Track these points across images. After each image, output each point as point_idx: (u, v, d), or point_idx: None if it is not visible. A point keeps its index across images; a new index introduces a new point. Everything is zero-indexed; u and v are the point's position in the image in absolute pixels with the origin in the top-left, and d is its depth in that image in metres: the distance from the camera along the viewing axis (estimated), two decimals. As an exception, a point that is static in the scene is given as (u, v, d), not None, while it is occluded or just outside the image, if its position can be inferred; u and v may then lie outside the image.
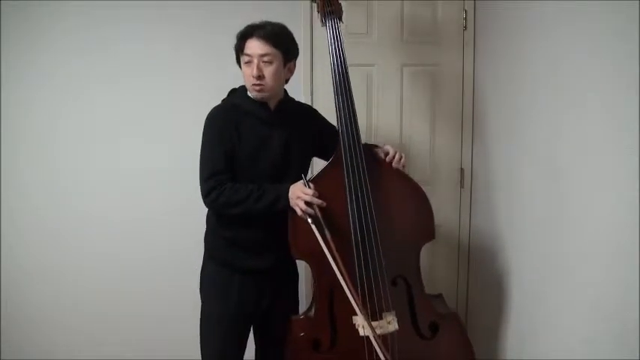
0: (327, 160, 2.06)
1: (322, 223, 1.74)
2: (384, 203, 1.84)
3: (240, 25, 1.85)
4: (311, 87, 2.48)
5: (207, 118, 1.87)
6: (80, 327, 2.51)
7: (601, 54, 1.55)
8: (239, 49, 1.83)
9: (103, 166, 2.47)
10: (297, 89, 2.45)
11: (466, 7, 2.47)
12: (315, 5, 2.00)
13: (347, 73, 1.87)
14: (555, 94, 1.81)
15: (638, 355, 1.39)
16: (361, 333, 1.80)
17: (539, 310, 1.92)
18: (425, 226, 1.92)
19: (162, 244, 2.51)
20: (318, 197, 1.76)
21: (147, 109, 2.45)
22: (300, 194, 1.75)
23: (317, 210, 1.74)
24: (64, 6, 2.34)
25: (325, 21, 1.92)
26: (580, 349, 1.65)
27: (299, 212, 1.75)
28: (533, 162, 1.96)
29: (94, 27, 2.38)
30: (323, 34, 2.42)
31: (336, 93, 1.86)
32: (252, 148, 1.84)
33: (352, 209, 1.81)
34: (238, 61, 1.86)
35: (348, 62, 2.42)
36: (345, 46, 1.90)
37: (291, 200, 1.77)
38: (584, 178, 1.65)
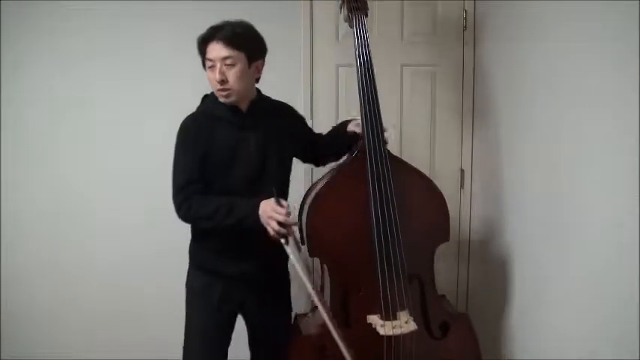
0: (304, 161, 2.06)
1: (296, 244, 1.65)
2: (402, 202, 1.82)
3: None
4: (311, 87, 2.47)
5: (179, 128, 1.81)
6: (81, 326, 2.50)
7: (601, 54, 1.55)
8: (201, 54, 1.75)
9: (104, 166, 2.46)
10: (297, 90, 2.46)
11: (466, 7, 2.47)
12: (339, 4, 1.96)
13: (373, 70, 1.84)
14: (555, 94, 1.81)
15: (638, 355, 1.39)
16: (382, 332, 1.78)
17: (540, 311, 1.92)
18: (442, 227, 1.91)
19: (163, 243, 2.50)
20: (322, 197, 1.72)
21: (147, 109, 2.45)
22: (272, 214, 1.63)
23: (291, 231, 1.64)
24: (65, 6, 2.34)
25: (352, 17, 1.88)
26: (580, 349, 1.65)
27: (271, 232, 1.64)
28: (534, 162, 1.96)
29: (94, 27, 2.38)
30: (323, 35, 2.45)
31: (362, 90, 1.83)
32: (227, 153, 1.77)
33: (375, 207, 1.78)
34: (205, 66, 1.78)
35: (347, 62, 2.43)
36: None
37: (262, 218, 1.66)
38: (585, 179, 1.65)
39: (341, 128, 2.00)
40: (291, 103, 2.46)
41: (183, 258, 2.41)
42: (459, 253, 2.59)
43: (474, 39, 2.47)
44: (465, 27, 2.48)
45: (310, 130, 2.07)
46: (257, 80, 1.85)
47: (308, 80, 2.47)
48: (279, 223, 1.63)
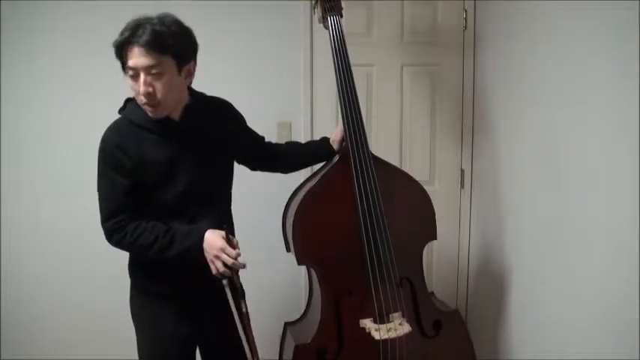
0: (239, 161, 1.83)
1: (238, 289, 1.47)
2: (388, 203, 1.80)
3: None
4: (311, 87, 2.47)
5: (100, 143, 1.55)
6: (81, 327, 2.50)
7: (601, 54, 1.55)
8: (120, 60, 1.48)
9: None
10: (297, 90, 2.45)
11: (466, 7, 2.47)
12: (313, 5, 1.94)
13: (351, 71, 1.81)
14: (556, 93, 1.81)
15: (638, 355, 1.39)
16: (377, 337, 1.76)
17: (539, 310, 1.92)
18: (428, 226, 1.91)
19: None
20: (307, 203, 1.63)
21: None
22: (219, 253, 1.44)
23: (236, 275, 1.47)
24: (65, 6, 2.34)
25: (326, 17, 1.85)
26: (580, 348, 1.65)
27: (214, 271, 1.46)
28: (534, 162, 1.96)
29: (95, 26, 2.37)
30: (322, 34, 2.45)
31: (341, 92, 1.80)
32: (161, 171, 1.53)
33: (362, 210, 1.76)
34: (125, 72, 1.50)
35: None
36: (347, 43, 1.83)
37: (206, 253, 1.47)
38: (585, 178, 1.65)
39: (321, 142, 1.93)
40: (291, 103, 2.48)
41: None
42: (459, 253, 2.59)
43: (474, 39, 2.47)
44: (465, 27, 2.48)
45: (250, 129, 1.83)
46: (190, 83, 1.61)
47: (308, 80, 2.47)
48: (226, 264, 1.45)
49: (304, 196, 1.80)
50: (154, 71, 1.43)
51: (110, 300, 2.50)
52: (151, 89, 1.44)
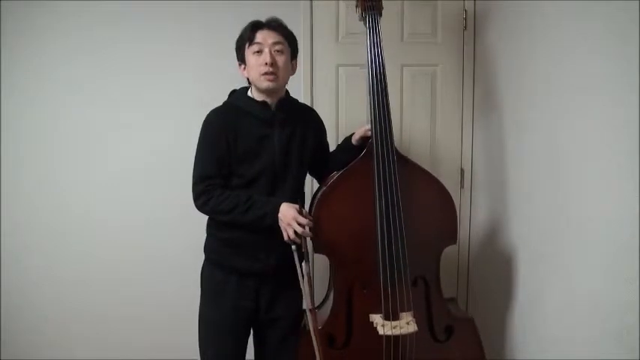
0: (311, 172, 2.02)
1: (306, 256, 1.71)
2: (409, 203, 1.81)
3: (239, 25, 1.85)
4: (311, 87, 2.48)
5: (204, 121, 1.84)
6: (80, 329, 2.50)
7: (601, 54, 1.55)
8: (247, 40, 1.78)
9: (104, 167, 2.46)
10: (298, 89, 2.45)
11: (466, 7, 2.47)
12: (356, 4, 1.95)
13: (384, 68, 1.83)
14: (555, 94, 1.81)
15: (638, 355, 1.39)
16: (380, 332, 1.78)
17: (540, 310, 1.92)
18: (449, 229, 1.90)
19: (162, 247, 2.50)
20: (328, 194, 1.69)
21: (147, 110, 2.45)
22: (291, 222, 1.69)
23: (304, 241, 1.69)
24: (64, 6, 2.35)
25: (365, 16, 1.88)
26: (580, 349, 1.65)
27: (285, 238, 1.70)
28: (534, 162, 1.96)
29: (94, 27, 2.38)
30: (323, 35, 2.45)
31: (372, 90, 1.82)
32: (250, 147, 1.79)
33: (380, 207, 1.78)
34: (241, 58, 1.83)
35: (347, 62, 2.44)
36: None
37: (280, 221, 1.71)
38: (585, 178, 1.64)
39: (346, 143, 2.00)
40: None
41: (182, 263, 2.42)
42: (459, 254, 2.59)
43: (474, 39, 2.47)
44: (465, 27, 2.48)
45: (327, 142, 2.06)
46: (291, 75, 1.90)
47: (308, 80, 2.47)
48: (296, 232, 1.68)
49: (326, 188, 1.85)
50: (277, 48, 1.77)
51: (109, 302, 2.51)
52: (274, 60, 1.76)
